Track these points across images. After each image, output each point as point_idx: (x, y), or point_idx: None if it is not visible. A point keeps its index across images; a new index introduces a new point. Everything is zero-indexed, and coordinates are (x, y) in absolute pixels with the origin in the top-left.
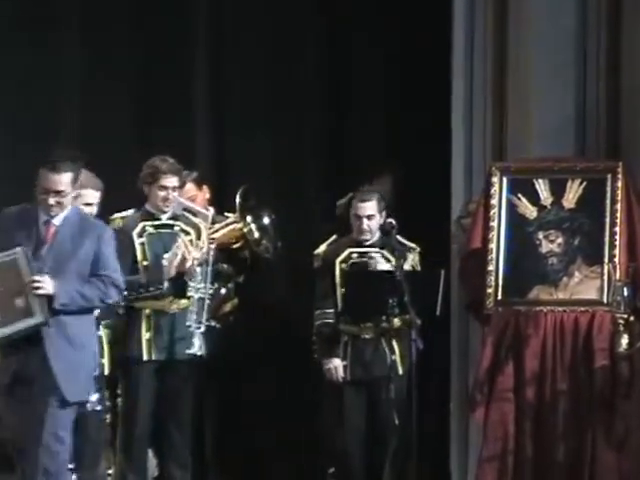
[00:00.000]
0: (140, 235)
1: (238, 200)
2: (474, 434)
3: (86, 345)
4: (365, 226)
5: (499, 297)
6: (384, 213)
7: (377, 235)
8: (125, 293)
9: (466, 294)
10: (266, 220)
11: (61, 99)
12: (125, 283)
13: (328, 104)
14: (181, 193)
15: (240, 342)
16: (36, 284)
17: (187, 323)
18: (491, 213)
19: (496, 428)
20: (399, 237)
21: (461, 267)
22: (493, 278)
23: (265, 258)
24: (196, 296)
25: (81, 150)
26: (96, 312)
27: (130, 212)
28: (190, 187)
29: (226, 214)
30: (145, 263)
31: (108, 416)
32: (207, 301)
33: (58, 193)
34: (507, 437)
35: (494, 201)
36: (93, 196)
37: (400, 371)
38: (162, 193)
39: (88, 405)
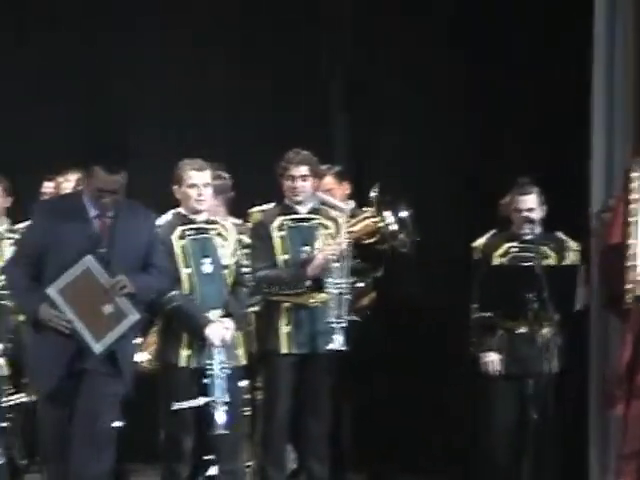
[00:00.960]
0: (280, 229)
1: (374, 194)
2: (613, 431)
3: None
4: (525, 220)
5: (638, 292)
6: (545, 207)
7: (538, 230)
8: (266, 290)
9: (605, 289)
10: (403, 214)
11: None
12: (267, 278)
13: (465, 102)
14: (318, 186)
15: (377, 336)
16: (120, 285)
17: (327, 319)
18: (631, 208)
19: (636, 425)
20: (559, 234)
21: (600, 262)
22: (633, 274)
23: (402, 252)
24: (335, 291)
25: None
26: None
27: (269, 206)
28: (329, 181)
29: (363, 209)
30: (284, 257)
31: (248, 409)
32: (346, 296)
33: (114, 192)
34: None
35: (634, 196)
36: None
37: (556, 368)
38: (289, 183)
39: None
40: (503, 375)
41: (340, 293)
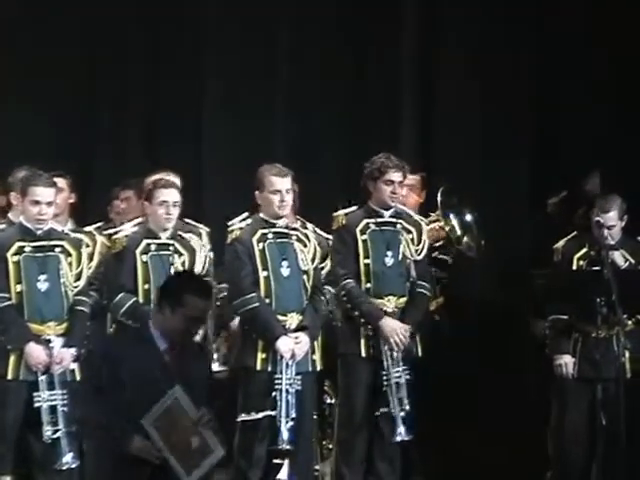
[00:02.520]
0: (363, 232)
1: (440, 198)
2: None
3: None
4: (607, 233)
5: None
6: (626, 217)
7: (618, 236)
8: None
9: None
10: (469, 218)
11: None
12: (350, 294)
13: (536, 104)
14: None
15: (445, 340)
16: (206, 418)
17: (389, 409)
18: None
19: None
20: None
21: None
22: None
23: (469, 256)
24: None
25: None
26: None
27: (354, 208)
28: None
29: (430, 214)
30: (367, 261)
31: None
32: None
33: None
34: None
35: None
36: None
37: (629, 374)
38: (389, 188)
39: None
40: (576, 378)
41: (397, 383)
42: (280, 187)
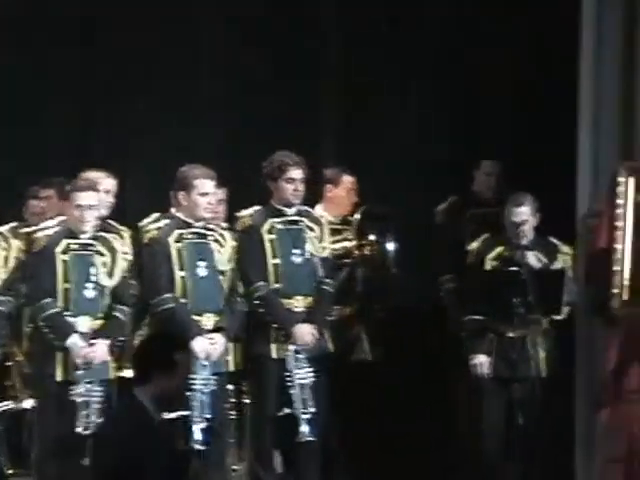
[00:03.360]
0: (269, 232)
1: (357, 218)
2: (599, 435)
3: None
4: (521, 230)
5: (625, 297)
6: (538, 214)
7: (531, 235)
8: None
9: (592, 294)
10: (385, 241)
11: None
12: (265, 301)
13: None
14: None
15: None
16: None
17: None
18: (617, 213)
19: (621, 429)
20: (552, 238)
21: (587, 267)
22: (619, 279)
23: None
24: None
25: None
26: None
27: (257, 208)
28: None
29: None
30: (275, 261)
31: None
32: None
33: None
34: (633, 439)
35: (620, 201)
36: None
37: (544, 373)
38: (291, 186)
39: None
40: (492, 377)
41: (301, 384)
42: (209, 190)
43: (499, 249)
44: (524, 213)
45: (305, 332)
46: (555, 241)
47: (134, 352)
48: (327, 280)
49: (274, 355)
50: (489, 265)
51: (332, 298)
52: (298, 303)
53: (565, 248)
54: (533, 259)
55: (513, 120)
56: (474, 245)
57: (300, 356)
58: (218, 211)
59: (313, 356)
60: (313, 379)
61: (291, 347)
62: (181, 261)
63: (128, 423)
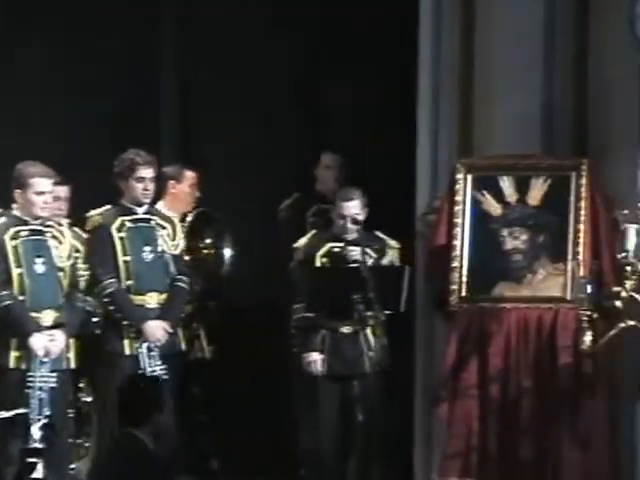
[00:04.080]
0: (119, 230)
1: (190, 220)
2: (438, 431)
3: None
4: (349, 225)
5: (463, 294)
6: (366, 209)
7: (359, 230)
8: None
9: (431, 290)
10: (220, 245)
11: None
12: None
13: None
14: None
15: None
16: None
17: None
18: (456, 210)
19: (460, 425)
20: (379, 233)
21: (426, 263)
22: (457, 275)
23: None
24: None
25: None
26: None
27: (107, 207)
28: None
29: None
30: (126, 259)
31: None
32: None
33: None
34: (471, 434)
35: (459, 198)
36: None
37: (380, 369)
38: (141, 185)
39: None
40: (325, 375)
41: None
42: (44, 188)
43: (328, 245)
44: (353, 207)
45: (156, 329)
46: (383, 236)
47: None
48: (180, 277)
49: (127, 352)
50: (319, 262)
51: (186, 295)
52: (151, 300)
53: (393, 243)
54: (362, 255)
55: (354, 117)
56: (302, 242)
57: (153, 353)
58: (57, 208)
59: (165, 353)
60: (165, 376)
61: (145, 344)
62: (17, 258)
63: None
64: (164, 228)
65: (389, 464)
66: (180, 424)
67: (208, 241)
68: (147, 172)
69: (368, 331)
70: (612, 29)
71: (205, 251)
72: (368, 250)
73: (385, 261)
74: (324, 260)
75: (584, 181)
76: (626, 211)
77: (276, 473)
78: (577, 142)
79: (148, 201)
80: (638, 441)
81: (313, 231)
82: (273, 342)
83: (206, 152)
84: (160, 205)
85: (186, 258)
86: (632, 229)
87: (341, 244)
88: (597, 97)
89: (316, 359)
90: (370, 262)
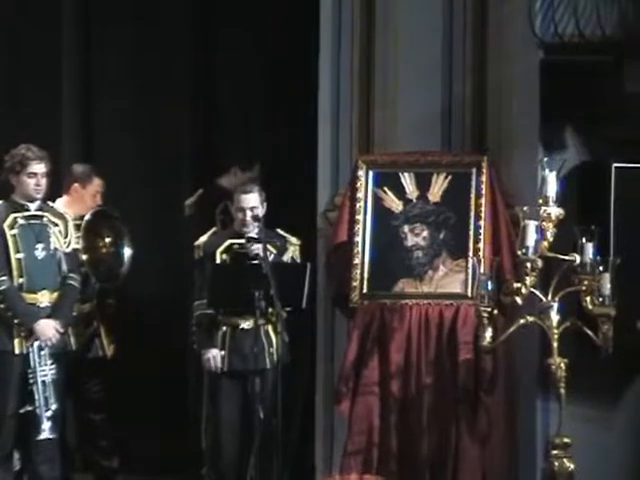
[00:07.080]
0: (11, 227)
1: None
2: (339, 427)
3: None
4: (249, 218)
5: (364, 290)
6: (265, 204)
7: (260, 227)
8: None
9: (332, 287)
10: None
11: None
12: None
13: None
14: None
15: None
16: None
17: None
18: (357, 206)
19: (361, 421)
20: (279, 230)
21: (327, 260)
22: (359, 271)
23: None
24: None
25: None
26: None
27: None
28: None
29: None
30: (18, 256)
31: None
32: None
33: None
34: (372, 430)
35: (360, 194)
36: None
37: (282, 364)
38: (32, 180)
39: None
40: (225, 372)
41: (43, 381)
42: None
43: (229, 241)
44: (251, 200)
45: (47, 328)
46: (283, 233)
47: None
48: (72, 275)
49: (17, 351)
50: (219, 258)
51: (77, 293)
52: (43, 298)
53: (294, 240)
54: (263, 251)
55: (258, 114)
56: (202, 239)
57: (43, 352)
58: None
59: (56, 352)
60: (55, 376)
61: (35, 343)
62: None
63: None
64: (56, 225)
65: (290, 461)
66: (80, 423)
67: (107, 240)
68: (39, 167)
69: (269, 327)
70: (511, 28)
71: (104, 250)
72: (269, 247)
73: (286, 258)
74: (224, 257)
75: (484, 178)
76: (526, 208)
77: (178, 472)
78: (477, 140)
79: (40, 197)
80: (537, 437)
81: (214, 228)
82: (174, 340)
83: (107, 150)
84: (60, 201)
85: (85, 257)
86: (532, 225)
87: (242, 240)
88: (496, 95)
89: (215, 355)
90: (271, 258)
